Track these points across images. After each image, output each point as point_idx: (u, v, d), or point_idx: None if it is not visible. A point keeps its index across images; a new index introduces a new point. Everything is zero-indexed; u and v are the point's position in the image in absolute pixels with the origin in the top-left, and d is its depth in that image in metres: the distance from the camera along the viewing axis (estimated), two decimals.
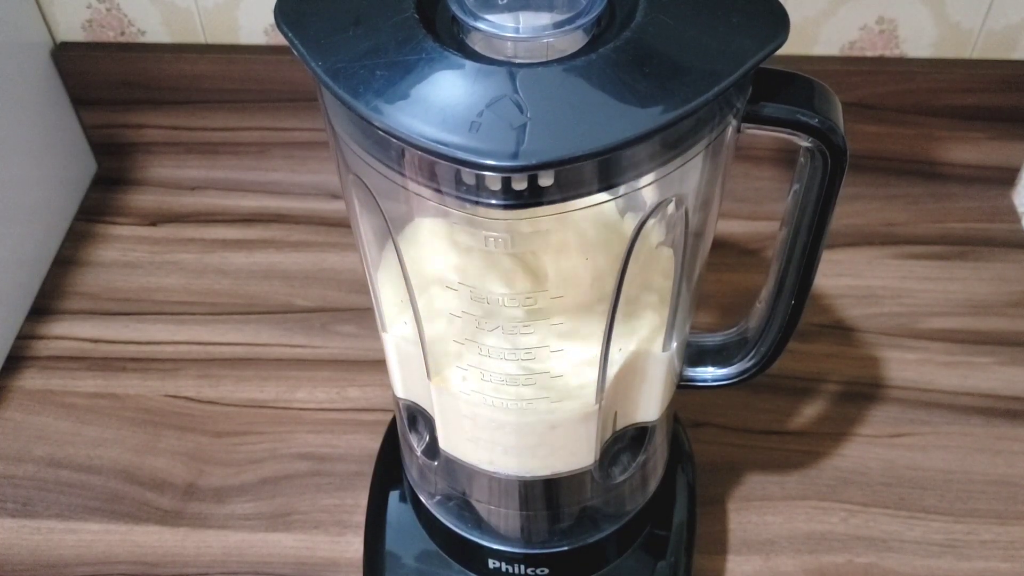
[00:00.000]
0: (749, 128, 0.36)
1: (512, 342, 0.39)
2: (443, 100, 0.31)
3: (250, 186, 0.79)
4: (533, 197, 0.33)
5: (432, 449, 0.47)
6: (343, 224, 0.77)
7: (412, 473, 0.52)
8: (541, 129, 0.30)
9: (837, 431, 0.64)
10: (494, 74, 0.32)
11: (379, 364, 0.50)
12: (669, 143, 0.33)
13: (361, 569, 0.55)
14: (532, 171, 0.31)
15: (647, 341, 0.42)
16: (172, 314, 0.71)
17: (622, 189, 0.33)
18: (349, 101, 0.31)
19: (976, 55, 0.73)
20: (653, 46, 0.32)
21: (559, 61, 0.32)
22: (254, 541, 0.59)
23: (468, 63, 0.32)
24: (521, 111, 0.30)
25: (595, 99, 0.31)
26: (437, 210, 0.35)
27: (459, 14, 0.33)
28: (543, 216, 0.34)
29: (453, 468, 0.47)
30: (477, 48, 0.34)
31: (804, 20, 0.71)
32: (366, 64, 0.32)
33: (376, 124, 0.31)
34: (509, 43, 0.33)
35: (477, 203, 0.33)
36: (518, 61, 0.33)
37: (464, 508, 0.50)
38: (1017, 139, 0.75)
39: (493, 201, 0.33)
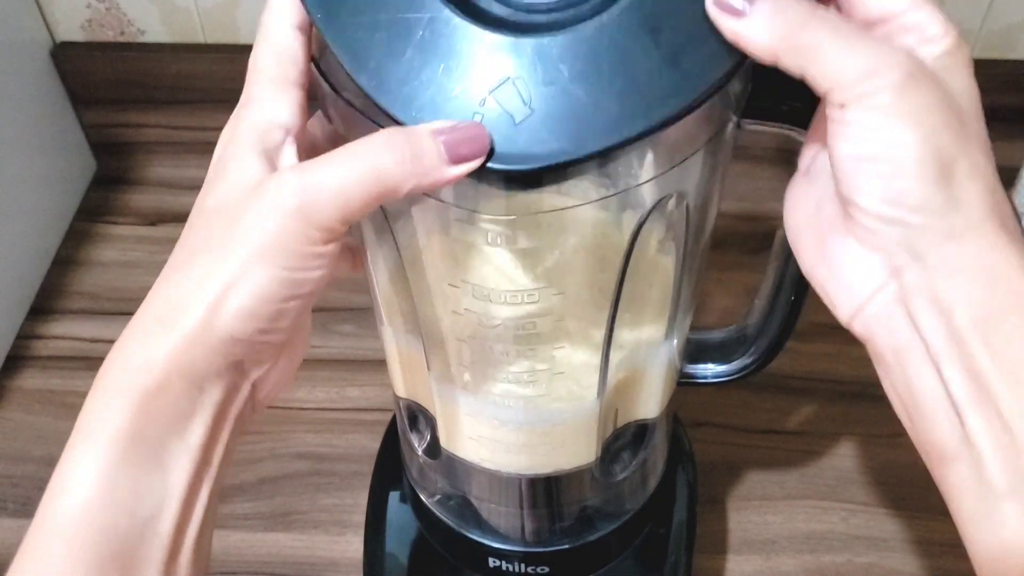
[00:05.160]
0: (749, 124, 0.36)
1: (514, 340, 0.39)
2: (445, 81, 0.30)
3: None
4: (534, 194, 0.33)
5: (433, 448, 0.47)
6: None
7: (412, 472, 0.52)
8: (544, 124, 0.29)
9: (837, 431, 0.64)
10: (498, 48, 0.30)
11: (379, 364, 0.50)
12: (670, 141, 0.33)
13: (361, 569, 0.54)
14: (535, 175, 0.31)
15: (648, 337, 0.42)
16: None
17: (623, 186, 0.33)
18: (353, 75, 0.31)
19: (976, 55, 0.73)
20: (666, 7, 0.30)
21: (567, 30, 0.30)
22: (253, 541, 0.59)
23: (472, 28, 0.30)
24: (524, 102, 0.30)
25: (602, 84, 0.30)
26: (438, 206, 0.35)
27: None
28: (544, 213, 0.34)
29: (454, 467, 0.47)
30: None
31: None
32: (363, 23, 0.31)
33: (385, 113, 0.30)
34: None
35: (478, 199, 0.33)
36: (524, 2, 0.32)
37: (464, 507, 0.49)
38: (1017, 139, 0.75)
39: (494, 198, 0.33)
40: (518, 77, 0.30)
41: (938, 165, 0.29)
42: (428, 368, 0.42)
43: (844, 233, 0.32)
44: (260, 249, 0.30)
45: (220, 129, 0.34)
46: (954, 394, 0.30)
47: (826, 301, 0.34)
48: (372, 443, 0.60)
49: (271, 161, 0.32)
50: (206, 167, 0.34)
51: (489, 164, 0.30)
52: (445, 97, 0.30)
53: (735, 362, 0.49)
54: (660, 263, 0.40)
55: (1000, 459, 0.29)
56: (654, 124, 0.30)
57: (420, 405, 0.46)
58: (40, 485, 0.32)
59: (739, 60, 0.31)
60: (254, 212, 0.30)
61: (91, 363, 0.69)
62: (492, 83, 0.30)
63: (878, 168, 0.30)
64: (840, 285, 0.33)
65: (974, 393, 0.30)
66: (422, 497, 0.51)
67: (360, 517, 0.56)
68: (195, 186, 0.33)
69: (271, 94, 0.32)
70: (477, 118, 0.30)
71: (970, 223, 0.30)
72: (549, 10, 0.32)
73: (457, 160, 0.29)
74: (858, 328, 0.33)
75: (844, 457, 0.62)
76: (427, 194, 0.34)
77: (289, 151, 0.32)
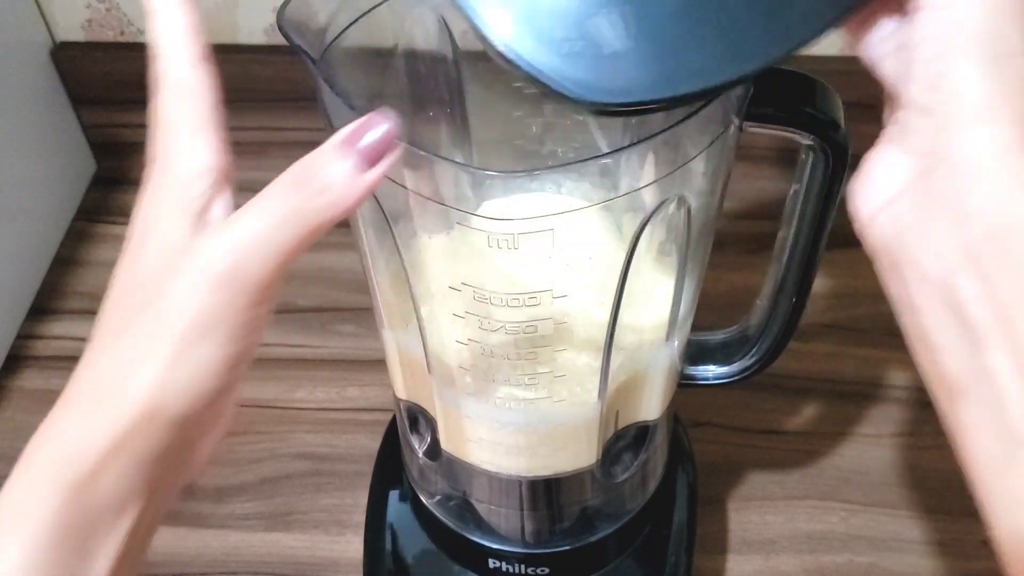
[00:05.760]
0: (751, 127, 0.36)
1: (515, 343, 0.39)
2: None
3: (250, 186, 0.76)
4: (535, 199, 0.33)
5: (434, 450, 0.47)
6: (343, 223, 0.77)
7: (412, 473, 0.52)
8: (638, 59, 0.28)
9: (837, 431, 0.64)
10: None
11: (379, 364, 0.50)
12: (672, 143, 0.33)
13: (361, 569, 0.54)
14: (620, 108, 0.29)
15: (649, 340, 0.42)
16: None
17: (625, 189, 0.33)
18: None
19: None
20: None
21: None
22: (253, 541, 0.59)
23: None
24: (620, 33, 0.28)
25: (699, 26, 0.28)
26: (439, 210, 0.35)
27: None
28: (546, 216, 0.34)
29: (454, 468, 0.47)
30: None
31: None
32: None
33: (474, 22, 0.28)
34: None
35: (479, 203, 0.33)
36: None
37: (464, 508, 0.49)
38: None
39: (495, 201, 0.33)
40: (614, 7, 0.28)
41: (989, 49, 0.26)
42: (429, 371, 0.42)
43: (885, 140, 0.30)
44: (192, 327, 0.28)
45: None
46: (972, 318, 0.26)
47: (850, 208, 0.31)
48: (372, 443, 0.60)
49: (199, 217, 0.29)
50: None
51: (579, 95, 0.28)
52: (540, 11, 0.28)
53: (737, 363, 0.49)
54: (662, 265, 0.40)
55: None
56: (747, 73, 0.29)
57: (421, 407, 0.46)
58: None
59: (835, 19, 0.29)
60: (180, 286, 0.28)
61: None
62: (590, 9, 0.28)
63: (926, 50, 0.27)
64: (864, 186, 0.30)
65: (996, 320, 0.26)
66: (422, 498, 0.51)
67: (360, 517, 0.56)
68: None
69: (184, 142, 0.30)
70: (567, 46, 0.28)
71: (1002, 120, 0.26)
72: None
73: (372, 161, 0.28)
74: (869, 237, 0.30)
75: (844, 457, 0.62)
76: (429, 198, 0.34)
77: (220, 200, 0.30)
